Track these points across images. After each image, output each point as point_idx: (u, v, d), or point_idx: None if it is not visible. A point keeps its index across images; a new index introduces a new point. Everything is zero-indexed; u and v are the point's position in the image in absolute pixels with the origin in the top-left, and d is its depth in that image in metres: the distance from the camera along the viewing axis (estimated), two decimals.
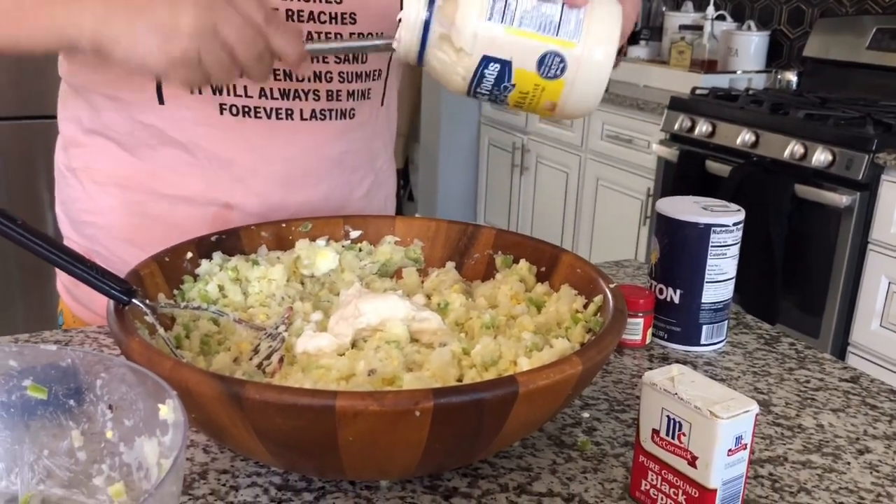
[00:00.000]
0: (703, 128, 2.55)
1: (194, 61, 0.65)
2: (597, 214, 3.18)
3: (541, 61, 0.62)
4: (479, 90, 0.65)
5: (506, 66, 0.62)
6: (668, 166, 2.67)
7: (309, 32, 0.86)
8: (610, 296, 0.67)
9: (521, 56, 0.62)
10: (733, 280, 0.89)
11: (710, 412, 0.56)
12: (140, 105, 0.87)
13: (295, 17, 0.85)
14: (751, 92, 2.66)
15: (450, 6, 0.62)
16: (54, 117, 1.00)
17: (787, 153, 2.28)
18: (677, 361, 0.86)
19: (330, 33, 0.87)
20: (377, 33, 0.88)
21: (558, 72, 0.63)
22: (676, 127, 2.64)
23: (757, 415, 0.57)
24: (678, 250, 0.87)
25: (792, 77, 2.85)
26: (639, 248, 2.94)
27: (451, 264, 0.84)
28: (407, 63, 0.69)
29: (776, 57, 3.14)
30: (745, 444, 0.57)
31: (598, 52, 0.64)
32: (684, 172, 2.57)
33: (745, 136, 2.41)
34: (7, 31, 0.71)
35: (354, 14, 0.88)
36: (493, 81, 0.63)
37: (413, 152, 4.32)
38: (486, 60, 0.62)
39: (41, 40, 0.71)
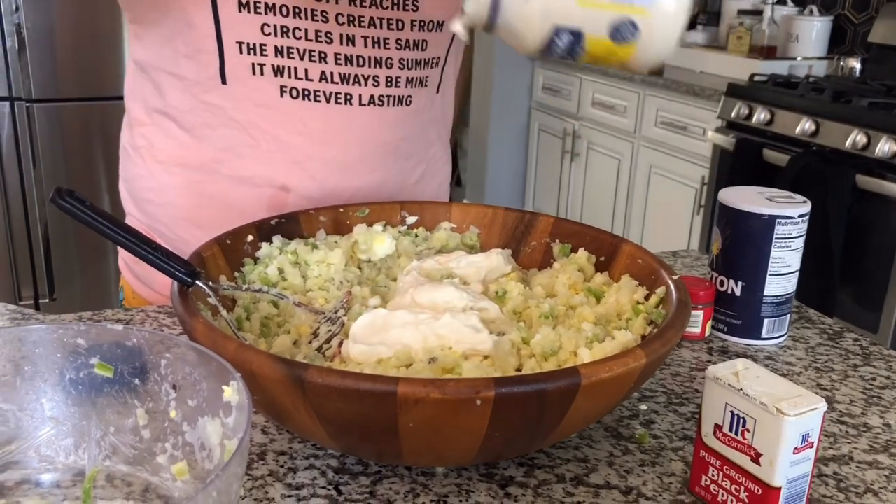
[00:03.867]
0: (761, 115, 2.49)
1: None
2: (649, 203, 3.13)
3: (614, 30, 0.61)
4: (549, 55, 0.64)
5: (577, 35, 0.61)
6: (724, 154, 2.62)
7: (371, 18, 0.86)
8: (673, 287, 0.66)
9: (593, 25, 0.61)
10: (797, 273, 0.86)
11: (777, 409, 0.54)
12: (203, 84, 0.87)
13: (358, 2, 0.85)
14: (811, 79, 2.59)
15: None
16: (112, 99, 1.03)
17: (848, 143, 2.21)
18: (737, 355, 0.84)
19: (392, 19, 0.87)
20: None
21: (631, 37, 0.61)
22: (733, 114, 2.58)
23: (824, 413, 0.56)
24: (741, 242, 0.85)
25: (855, 64, 2.77)
26: (692, 238, 2.89)
27: (505, 251, 0.83)
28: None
29: (839, 43, 3.05)
30: (812, 443, 0.56)
31: (671, 16, 0.62)
32: (741, 161, 2.52)
33: (804, 125, 2.35)
34: None
35: (417, 0, 0.88)
36: (564, 49, 0.62)
37: (462, 136, 4.31)
38: (558, 30, 0.61)
39: None
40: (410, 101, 0.93)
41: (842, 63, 2.81)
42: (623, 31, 0.61)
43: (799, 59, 2.93)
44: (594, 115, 3.41)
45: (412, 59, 0.90)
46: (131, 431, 0.56)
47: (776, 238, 0.83)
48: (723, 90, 2.66)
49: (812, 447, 0.56)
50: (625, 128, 3.21)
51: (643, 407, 0.73)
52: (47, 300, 2.67)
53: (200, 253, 0.71)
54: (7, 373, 0.56)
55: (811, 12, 2.99)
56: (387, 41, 0.88)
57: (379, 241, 0.82)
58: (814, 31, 2.94)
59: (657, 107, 3.01)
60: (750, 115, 2.53)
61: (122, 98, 0.99)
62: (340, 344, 0.65)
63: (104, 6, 2.50)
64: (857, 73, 2.76)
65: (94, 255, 2.69)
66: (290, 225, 0.82)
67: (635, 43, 0.62)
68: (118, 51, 2.56)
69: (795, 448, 0.55)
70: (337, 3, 0.85)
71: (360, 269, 0.82)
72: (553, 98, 3.71)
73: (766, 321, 0.86)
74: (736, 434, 0.57)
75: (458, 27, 0.65)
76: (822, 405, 0.55)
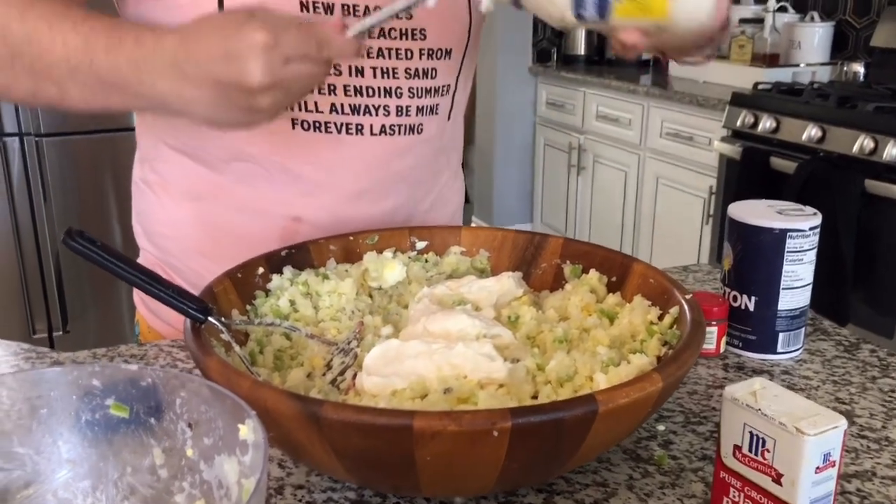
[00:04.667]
0: (766, 124, 2.49)
1: (276, 112, 0.70)
2: (657, 214, 3.13)
3: None
4: (582, 8, 0.62)
5: None
6: (731, 164, 2.61)
7: (379, 49, 0.87)
8: (686, 307, 0.66)
9: None
10: (810, 286, 0.86)
11: (797, 428, 0.54)
12: None
13: (366, 33, 0.85)
14: (816, 85, 2.59)
15: None
16: (123, 130, 1.03)
17: (856, 148, 2.21)
18: (753, 370, 0.83)
19: (400, 49, 0.88)
20: None
21: None
22: (739, 123, 2.58)
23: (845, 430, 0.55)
24: (752, 256, 0.84)
25: (859, 68, 2.76)
26: (702, 248, 2.88)
27: (516, 274, 0.83)
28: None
29: (842, 48, 3.05)
30: (834, 462, 0.55)
31: None
32: (748, 170, 2.51)
33: (811, 132, 2.35)
34: (98, 102, 0.75)
35: (424, 30, 0.89)
36: None
37: (468, 154, 4.32)
38: None
39: (132, 107, 0.77)
40: (421, 130, 0.93)
41: (845, 68, 2.81)
42: None
43: (802, 65, 2.93)
44: (599, 129, 3.41)
45: (421, 88, 0.91)
46: (148, 471, 0.56)
47: (788, 252, 0.83)
48: (727, 99, 2.66)
49: (834, 466, 0.55)
50: (630, 140, 3.21)
51: (661, 427, 0.72)
52: (61, 333, 2.68)
53: (212, 288, 0.71)
54: (23, 416, 0.56)
55: (812, 18, 2.99)
56: (395, 71, 0.88)
57: (389, 268, 0.82)
58: (816, 37, 2.95)
59: (662, 118, 3.01)
60: (755, 124, 2.53)
61: (131, 129, 0.99)
62: (354, 376, 0.65)
63: None
64: (862, 78, 2.75)
65: (107, 287, 2.70)
66: (301, 255, 0.82)
67: None
68: None
69: (817, 468, 0.54)
70: None
71: (370, 297, 0.82)
72: (557, 113, 3.71)
73: (780, 335, 0.85)
74: (756, 454, 0.57)
75: (483, 4, 0.65)
76: (843, 423, 0.55)
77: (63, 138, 2.57)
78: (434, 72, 0.91)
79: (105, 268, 0.64)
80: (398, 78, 0.89)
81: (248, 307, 0.75)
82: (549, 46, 4.05)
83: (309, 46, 0.67)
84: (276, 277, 0.78)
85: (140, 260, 1.00)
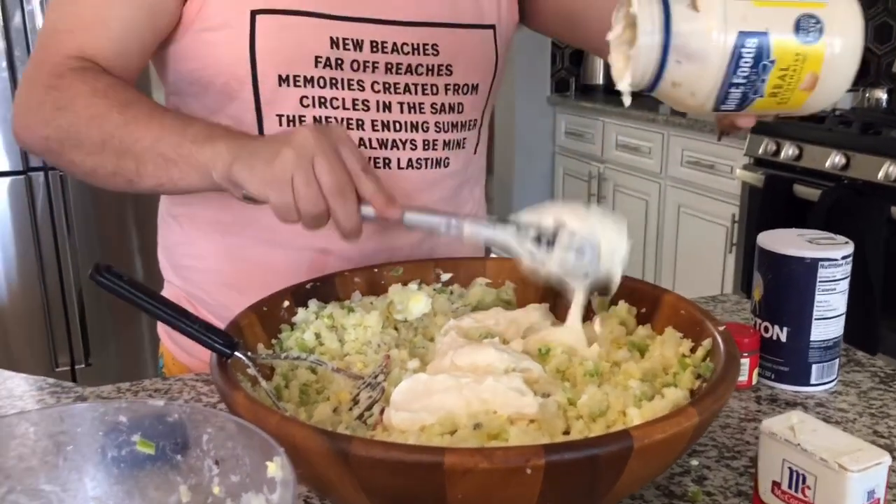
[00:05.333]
0: (789, 151, 2.47)
1: (286, 182, 0.71)
2: (679, 243, 3.11)
3: (797, 25, 0.61)
4: (734, 80, 0.62)
5: (763, 38, 0.61)
6: (754, 192, 2.59)
7: (406, 84, 0.87)
8: (720, 339, 0.65)
9: (777, 24, 0.61)
10: (843, 316, 0.84)
11: (839, 465, 0.52)
12: None
13: (394, 70, 0.86)
14: (838, 112, 2.57)
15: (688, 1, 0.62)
16: None
17: (881, 174, 2.19)
18: (786, 403, 0.82)
19: (427, 84, 0.88)
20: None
21: (817, 34, 0.61)
22: (761, 151, 2.57)
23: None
24: (783, 286, 0.83)
25: (881, 95, 2.74)
26: (725, 277, 2.85)
27: (543, 306, 0.82)
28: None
29: (863, 75, 3.03)
30: (878, 499, 0.54)
31: (848, 4, 0.63)
32: (771, 198, 2.49)
33: (834, 159, 2.33)
34: (156, 177, 0.79)
35: (451, 66, 0.90)
36: (751, 62, 0.61)
37: (487, 185, 4.32)
38: (742, 37, 0.61)
39: (186, 183, 0.78)
40: (448, 163, 0.94)
41: (867, 95, 2.79)
42: (807, 27, 0.61)
43: None
44: (619, 158, 3.40)
45: (448, 122, 0.91)
46: None
47: (820, 282, 0.81)
48: (748, 127, 2.64)
49: (878, 503, 0.54)
50: (650, 169, 3.20)
51: (694, 462, 0.71)
52: (83, 366, 2.68)
53: (238, 322, 0.71)
54: (49, 453, 0.55)
55: None
56: (422, 106, 0.89)
57: (415, 300, 0.82)
58: None
59: (682, 146, 3.01)
60: (778, 151, 2.51)
61: None
62: (382, 411, 0.64)
63: None
64: (884, 104, 2.73)
65: (128, 320, 2.71)
66: (326, 288, 0.81)
67: (823, 42, 0.61)
68: None
69: None
70: (373, 71, 0.86)
71: (396, 329, 0.81)
72: (576, 142, 3.71)
73: (814, 367, 0.83)
74: (796, 491, 0.55)
75: (626, 98, 0.66)
76: (887, 459, 0.53)
77: None
78: (461, 106, 0.92)
79: (132, 302, 0.64)
80: (424, 113, 0.89)
81: (274, 341, 0.75)
82: (568, 76, 4.06)
83: (354, 150, 0.73)
84: (301, 311, 0.78)
85: (165, 292, 1.00)
